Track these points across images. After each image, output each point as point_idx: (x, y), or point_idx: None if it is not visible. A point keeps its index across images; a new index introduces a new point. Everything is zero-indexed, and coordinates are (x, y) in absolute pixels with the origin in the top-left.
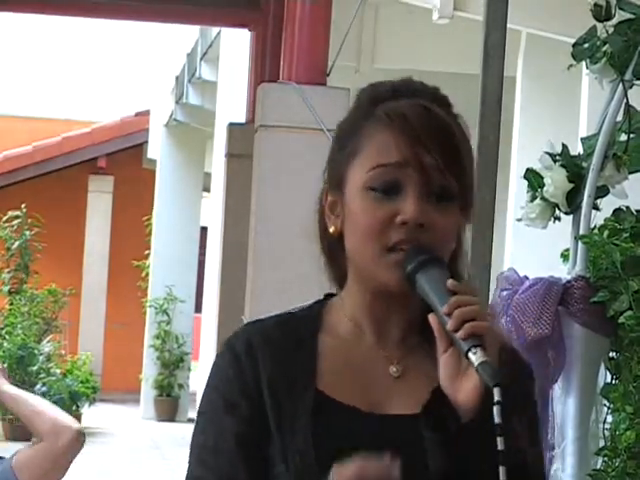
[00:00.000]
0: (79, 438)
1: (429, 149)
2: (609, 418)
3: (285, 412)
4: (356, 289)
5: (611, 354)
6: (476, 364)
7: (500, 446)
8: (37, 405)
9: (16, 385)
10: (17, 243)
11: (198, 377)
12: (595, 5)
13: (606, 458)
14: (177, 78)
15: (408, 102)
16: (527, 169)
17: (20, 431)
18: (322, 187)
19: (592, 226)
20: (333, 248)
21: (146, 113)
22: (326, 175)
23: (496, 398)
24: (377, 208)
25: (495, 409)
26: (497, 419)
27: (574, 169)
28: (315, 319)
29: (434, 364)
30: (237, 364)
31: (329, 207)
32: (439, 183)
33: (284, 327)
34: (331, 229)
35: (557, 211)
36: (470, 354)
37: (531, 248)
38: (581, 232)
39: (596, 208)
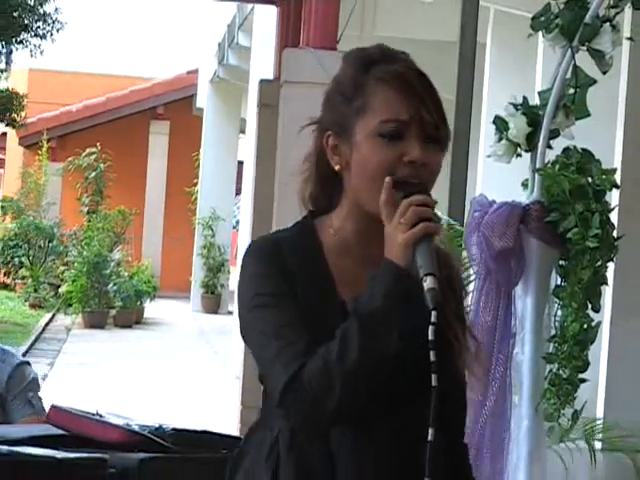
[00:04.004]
0: None
1: (428, 108)
2: (559, 312)
3: (314, 313)
4: (351, 213)
5: (560, 262)
6: (425, 289)
7: (432, 357)
8: None
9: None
10: (93, 173)
11: (235, 278)
12: None
13: (556, 344)
14: (219, 44)
15: (401, 65)
16: (495, 116)
17: (96, 320)
18: (320, 132)
19: (546, 161)
20: (329, 181)
21: (195, 71)
22: (327, 123)
23: (433, 320)
24: (386, 150)
25: (430, 329)
26: (431, 336)
27: (532, 116)
28: (315, 237)
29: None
30: (273, 263)
31: (331, 149)
32: (433, 134)
33: (293, 242)
34: (337, 167)
35: (519, 149)
36: (424, 280)
37: (498, 178)
38: (537, 166)
39: (549, 147)
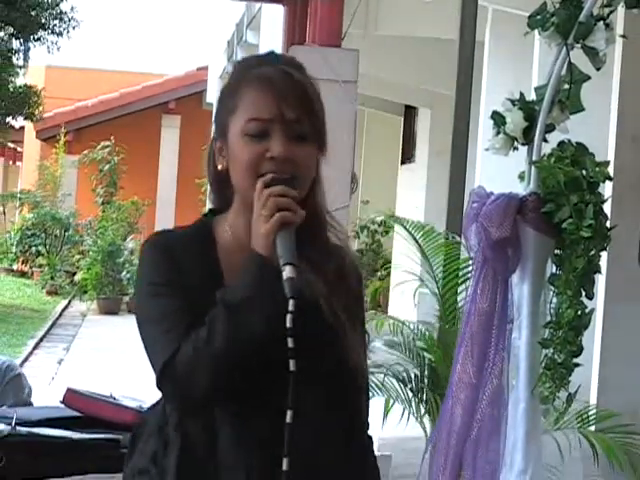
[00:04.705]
0: None
1: (290, 106)
2: (554, 299)
3: (202, 301)
4: (241, 210)
5: (556, 251)
6: (284, 278)
7: (290, 344)
8: None
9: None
10: (107, 166)
11: None
12: None
13: (552, 330)
14: (228, 42)
15: (272, 68)
16: (493, 111)
17: (110, 306)
18: (212, 136)
19: (542, 154)
20: (220, 181)
21: (205, 68)
22: (215, 128)
23: (290, 308)
24: (252, 147)
25: (288, 317)
26: (289, 324)
27: (529, 111)
28: (210, 233)
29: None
30: (165, 256)
31: (218, 151)
32: (298, 131)
33: (189, 237)
34: (219, 167)
35: (516, 143)
36: (283, 269)
37: (496, 171)
38: (534, 159)
39: (545, 140)
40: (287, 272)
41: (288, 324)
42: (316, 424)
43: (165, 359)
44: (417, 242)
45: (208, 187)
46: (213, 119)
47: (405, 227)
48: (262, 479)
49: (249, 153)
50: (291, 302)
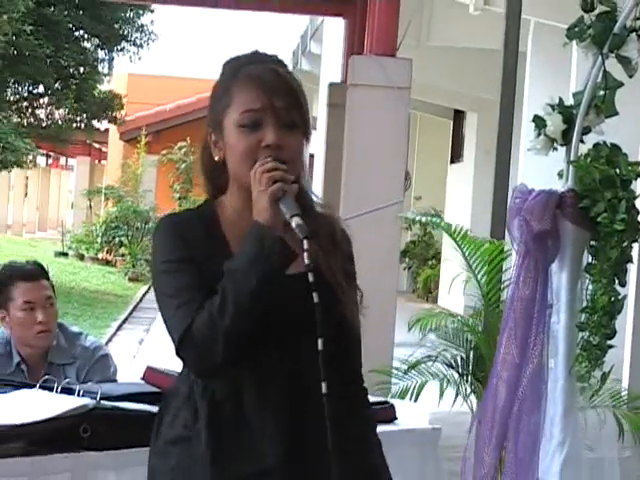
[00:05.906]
0: None
1: (278, 96)
2: (590, 287)
3: (213, 272)
4: (239, 194)
5: (592, 243)
6: (294, 225)
7: (311, 278)
8: None
9: None
10: (184, 165)
11: None
12: (583, 0)
13: (587, 314)
14: (293, 52)
15: (261, 66)
16: (534, 115)
17: None
18: (206, 131)
19: (579, 154)
20: (215, 170)
21: None
22: (209, 122)
23: (305, 247)
24: (247, 138)
25: (305, 254)
26: (307, 261)
27: (567, 115)
28: (214, 212)
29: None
30: (175, 236)
31: (213, 143)
32: (287, 118)
33: (196, 218)
34: (216, 158)
35: (555, 144)
36: (292, 220)
37: (537, 169)
38: (572, 158)
39: (582, 142)
40: (295, 220)
41: (306, 261)
42: (320, 384)
43: (183, 328)
44: (460, 247)
45: (203, 175)
46: (208, 114)
47: (450, 234)
48: (289, 426)
49: (245, 143)
50: (305, 242)
